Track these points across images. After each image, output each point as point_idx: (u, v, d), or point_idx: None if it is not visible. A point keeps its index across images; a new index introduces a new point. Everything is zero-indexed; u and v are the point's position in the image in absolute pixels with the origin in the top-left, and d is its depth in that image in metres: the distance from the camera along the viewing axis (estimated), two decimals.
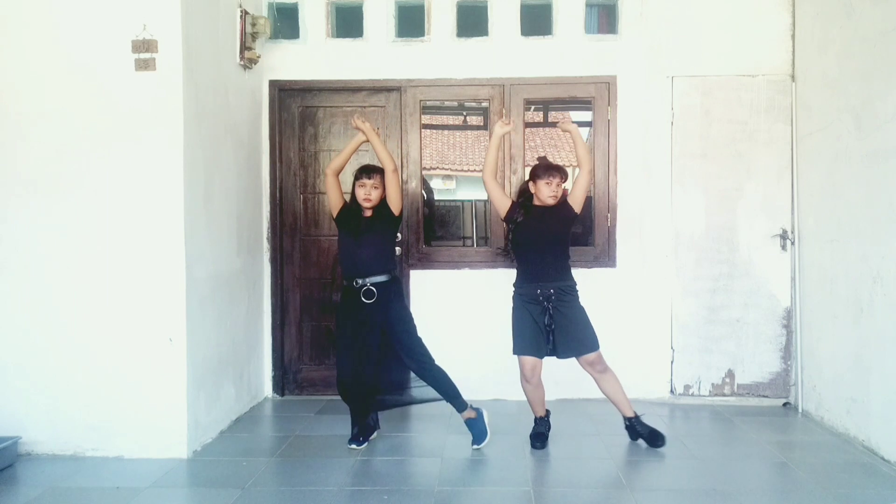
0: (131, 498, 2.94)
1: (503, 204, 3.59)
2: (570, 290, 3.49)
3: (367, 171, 3.55)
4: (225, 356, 3.94)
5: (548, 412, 3.68)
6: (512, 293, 3.57)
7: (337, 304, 3.82)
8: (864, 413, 3.57)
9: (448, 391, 3.56)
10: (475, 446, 3.56)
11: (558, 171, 3.50)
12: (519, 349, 3.50)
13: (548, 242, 3.48)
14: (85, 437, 3.43)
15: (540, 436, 3.60)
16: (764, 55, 4.40)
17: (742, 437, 3.82)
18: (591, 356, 3.47)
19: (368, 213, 3.56)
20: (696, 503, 2.89)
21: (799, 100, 4.33)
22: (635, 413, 3.60)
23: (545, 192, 3.47)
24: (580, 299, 3.54)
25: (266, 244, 4.63)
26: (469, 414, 3.59)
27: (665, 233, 4.48)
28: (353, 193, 3.58)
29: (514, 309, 3.55)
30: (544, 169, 3.51)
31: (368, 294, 3.47)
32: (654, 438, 3.54)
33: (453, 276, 4.56)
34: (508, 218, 3.58)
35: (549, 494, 2.99)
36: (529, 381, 3.51)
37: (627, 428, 3.62)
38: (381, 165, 3.56)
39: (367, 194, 3.51)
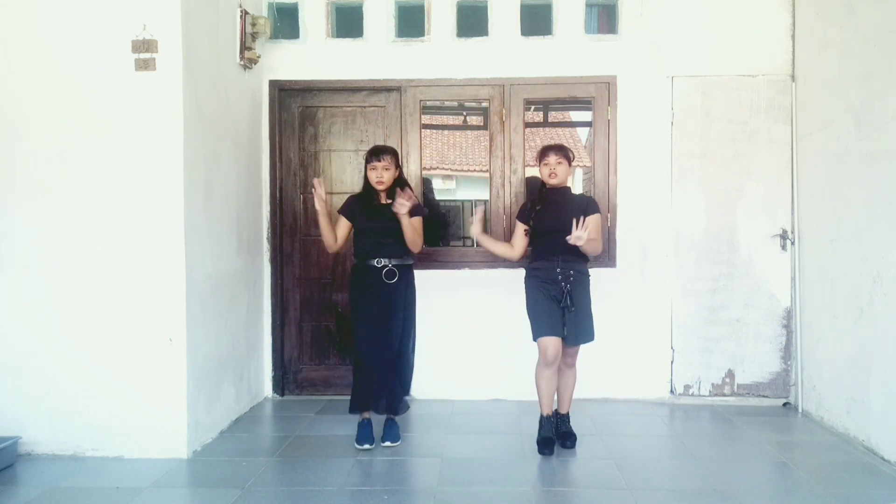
0: (131, 498, 2.94)
1: (518, 230, 3.59)
2: (586, 274, 3.48)
3: (376, 153, 3.50)
4: (225, 356, 3.94)
5: (555, 412, 3.60)
6: (525, 278, 3.51)
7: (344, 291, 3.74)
8: (864, 413, 3.58)
9: (404, 383, 3.58)
10: (389, 444, 3.56)
11: (553, 150, 3.49)
12: (538, 332, 3.38)
13: (568, 225, 3.29)
14: (85, 437, 3.43)
15: (548, 441, 3.46)
16: (764, 55, 4.40)
17: (742, 437, 3.82)
18: (579, 347, 3.48)
19: (384, 202, 3.51)
20: (696, 503, 2.89)
21: (799, 100, 4.33)
22: (567, 412, 3.62)
23: (543, 173, 3.51)
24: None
25: (266, 244, 4.63)
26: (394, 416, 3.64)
27: (665, 233, 4.48)
28: (365, 178, 3.56)
29: (529, 292, 3.46)
30: (542, 150, 3.55)
31: (390, 274, 3.47)
32: (566, 438, 3.55)
33: (453, 276, 4.56)
34: (525, 219, 3.57)
35: (549, 494, 3.00)
36: (549, 366, 3.38)
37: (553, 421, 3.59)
38: (390, 146, 3.60)
39: (380, 177, 3.47)
